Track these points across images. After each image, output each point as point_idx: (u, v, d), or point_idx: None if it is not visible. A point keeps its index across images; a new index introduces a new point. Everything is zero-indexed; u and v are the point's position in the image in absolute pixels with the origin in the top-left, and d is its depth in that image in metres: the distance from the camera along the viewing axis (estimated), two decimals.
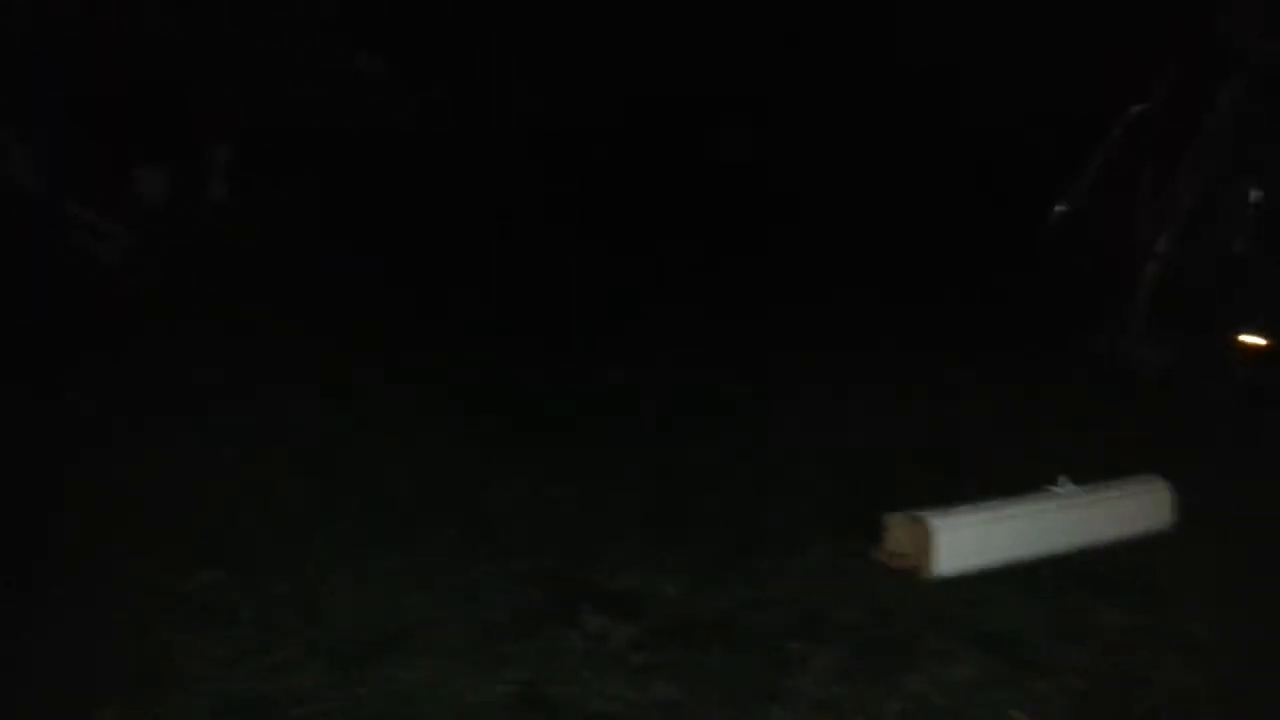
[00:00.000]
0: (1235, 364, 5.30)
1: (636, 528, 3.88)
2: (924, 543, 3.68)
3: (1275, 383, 5.13)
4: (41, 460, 4.10)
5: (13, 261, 5.55)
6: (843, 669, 3.16)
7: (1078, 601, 3.58)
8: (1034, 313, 5.86)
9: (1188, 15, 6.06)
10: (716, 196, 7.81)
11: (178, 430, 4.43)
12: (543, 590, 3.48)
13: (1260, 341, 5.31)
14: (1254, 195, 5.56)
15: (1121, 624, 3.48)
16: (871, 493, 4.11)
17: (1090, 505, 3.95)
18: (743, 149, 8.46)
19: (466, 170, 7.90)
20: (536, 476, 4.23)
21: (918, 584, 3.63)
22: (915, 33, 8.49)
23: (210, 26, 7.95)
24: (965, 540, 3.71)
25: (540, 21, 8.76)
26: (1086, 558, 3.80)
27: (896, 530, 3.77)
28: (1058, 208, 6.22)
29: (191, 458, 4.20)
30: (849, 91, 8.47)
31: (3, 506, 3.75)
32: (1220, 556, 3.84)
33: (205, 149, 8.19)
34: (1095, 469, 4.15)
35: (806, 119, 8.49)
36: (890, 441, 4.71)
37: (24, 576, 3.37)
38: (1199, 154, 5.74)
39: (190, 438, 4.38)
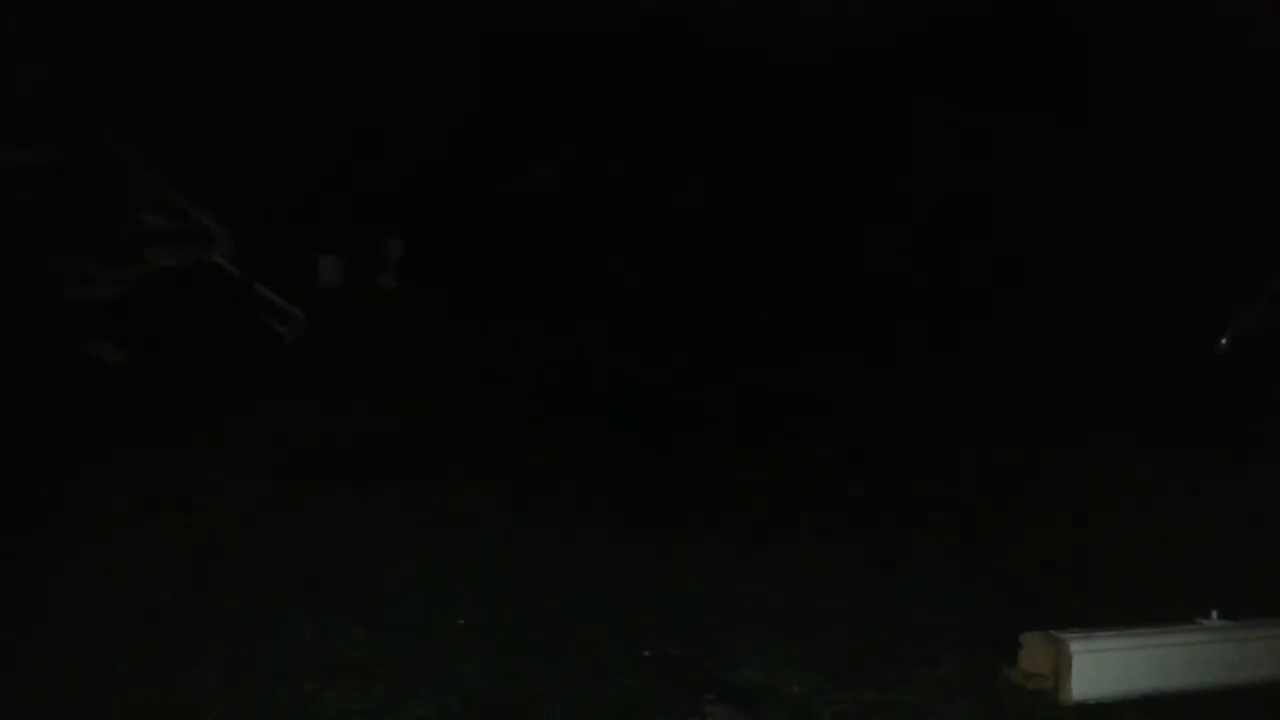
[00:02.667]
0: None
1: (766, 621, 3.90)
2: (1061, 665, 3.59)
3: None
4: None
5: (210, 333, 6.07)
6: None
7: None
8: (1203, 438, 5.70)
9: None
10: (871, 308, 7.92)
11: (330, 493, 4.72)
12: (668, 677, 3.53)
13: None
14: None
15: None
16: (1012, 607, 4.03)
17: (1240, 642, 3.77)
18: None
19: (628, 267, 8.24)
20: (671, 564, 4.30)
21: (1051, 707, 3.53)
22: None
23: (389, 130, 8.58)
24: (1104, 666, 3.60)
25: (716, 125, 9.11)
26: (1232, 696, 3.62)
27: (1033, 649, 3.67)
28: (1223, 340, 6.11)
29: (345, 521, 4.47)
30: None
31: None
32: None
33: (380, 243, 8.79)
34: (1260, 605, 3.97)
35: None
36: (1039, 554, 4.61)
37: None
38: None
39: (343, 501, 4.65)
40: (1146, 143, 8.13)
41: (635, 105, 9.15)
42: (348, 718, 3.18)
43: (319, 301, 7.39)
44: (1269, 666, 3.79)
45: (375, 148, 8.74)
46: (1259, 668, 3.77)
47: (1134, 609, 3.96)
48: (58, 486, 4.51)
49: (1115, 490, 5.23)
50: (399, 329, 7.59)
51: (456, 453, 5.33)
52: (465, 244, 8.72)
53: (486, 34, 9.14)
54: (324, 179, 8.17)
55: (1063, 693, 3.56)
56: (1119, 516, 4.97)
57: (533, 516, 4.68)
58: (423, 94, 8.85)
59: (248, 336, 6.60)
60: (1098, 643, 3.62)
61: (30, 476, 4.54)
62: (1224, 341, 6.00)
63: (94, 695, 3.16)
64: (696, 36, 9.23)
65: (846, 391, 6.67)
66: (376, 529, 4.42)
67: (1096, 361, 6.90)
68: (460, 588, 3.96)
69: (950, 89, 8.69)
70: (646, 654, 3.63)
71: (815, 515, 4.90)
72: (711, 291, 8.42)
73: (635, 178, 9.22)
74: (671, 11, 9.27)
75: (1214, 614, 3.84)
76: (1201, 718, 3.54)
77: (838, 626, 3.91)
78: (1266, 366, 5.70)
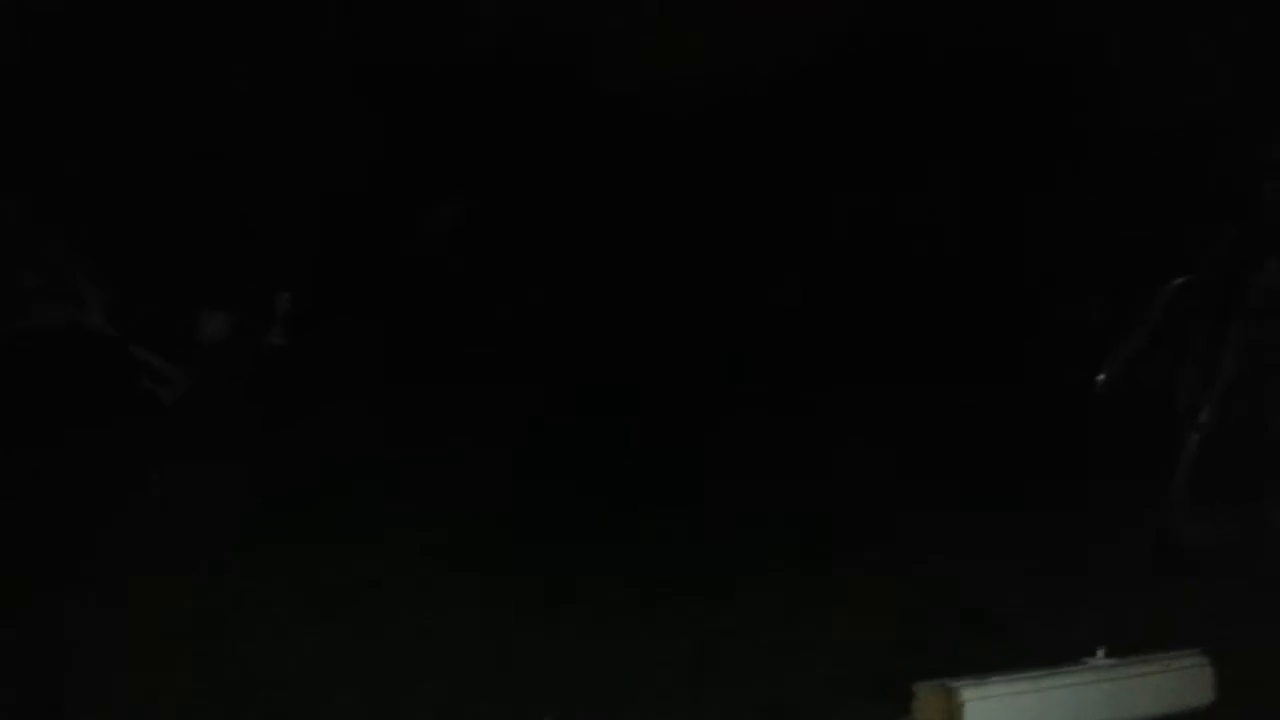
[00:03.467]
0: None
1: (666, 679, 3.85)
2: (954, 713, 3.60)
3: None
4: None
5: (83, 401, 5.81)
6: None
7: None
8: (1079, 483, 5.83)
9: (1234, 183, 6.19)
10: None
11: (213, 563, 4.55)
12: None
13: None
14: None
15: None
16: (904, 655, 4.07)
17: (1128, 679, 3.84)
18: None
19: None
20: (568, 622, 4.23)
21: None
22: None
23: (275, 178, 8.39)
24: (997, 711, 3.62)
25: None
26: None
27: (926, 698, 3.68)
28: (1100, 377, 6.25)
29: (227, 595, 4.28)
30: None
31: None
32: None
33: (265, 297, 8.55)
34: (1136, 643, 4.05)
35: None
36: (926, 604, 4.66)
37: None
38: (1244, 324, 5.76)
39: (226, 574, 4.48)
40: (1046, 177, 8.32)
41: (541, 150, 9.10)
42: None
43: (202, 361, 7.13)
44: (1157, 701, 3.86)
45: (262, 199, 8.55)
46: (1148, 703, 3.84)
47: (1031, 650, 4.00)
48: None
49: (1010, 532, 5.31)
50: (291, 387, 7.36)
51: (351, 520, 5.15)
52: (363, 295, 8.54)
53: (376, 80, 9.03)
54: (207, 233, 7.94)
55: None
56: (998, 572, 5.04)
57: (418, 581, 4.54)
58: (312, 142, 8.70)
59: (125, 400, 6.32)
60: (989, 689, 3.64)
61: None
62: (1102, 380, 6.14)
63: None
64: (591, 82, 9.25)
65: (745, 442, 6.64)
66: (260, 604, 4.23)
67: (984, 399, 7.01)
68: (345, 665, 3.81)
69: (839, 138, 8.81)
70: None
71: (716, 569, 4.86)
72: (632, 346, 8.33)
73: (545, 224, 9.15)
74: (565, 57, 9.29)
75: (1100, 652, 3.91)
76: None
77: (738, 683, 3.88)
78: (1146, 409, 5.85)
